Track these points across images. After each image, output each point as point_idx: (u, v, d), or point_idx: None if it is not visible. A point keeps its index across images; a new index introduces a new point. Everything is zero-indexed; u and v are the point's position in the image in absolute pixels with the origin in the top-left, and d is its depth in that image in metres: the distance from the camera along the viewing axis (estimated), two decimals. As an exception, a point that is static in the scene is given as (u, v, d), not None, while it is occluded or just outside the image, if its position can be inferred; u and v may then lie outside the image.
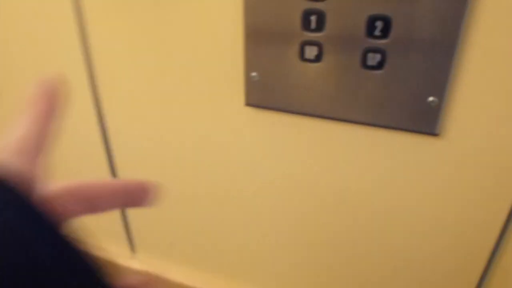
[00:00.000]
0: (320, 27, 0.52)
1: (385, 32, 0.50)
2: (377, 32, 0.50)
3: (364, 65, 0.53)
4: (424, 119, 0.54)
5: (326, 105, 0.57)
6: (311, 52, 0.54)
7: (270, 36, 0.55)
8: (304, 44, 0.54)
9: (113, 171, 0.84)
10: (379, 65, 0.52)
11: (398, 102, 0.54)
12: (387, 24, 0.49)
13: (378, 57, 0.52)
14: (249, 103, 0.62)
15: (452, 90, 0.51)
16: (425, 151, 0.57)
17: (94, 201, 0.24)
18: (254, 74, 0.59)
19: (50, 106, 0.23)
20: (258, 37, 0.56)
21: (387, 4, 0.48)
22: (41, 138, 0.23)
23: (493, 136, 0.52)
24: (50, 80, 0.24)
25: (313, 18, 0.52)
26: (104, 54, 0.70)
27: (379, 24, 0.50)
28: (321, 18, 0.52)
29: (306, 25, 0.53)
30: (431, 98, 0.52)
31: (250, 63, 0.58)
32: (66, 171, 0.86)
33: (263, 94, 0.60)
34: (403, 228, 0.65)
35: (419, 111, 0.53)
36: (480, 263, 0.62)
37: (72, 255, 0.19)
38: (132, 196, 0.26)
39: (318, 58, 0.54)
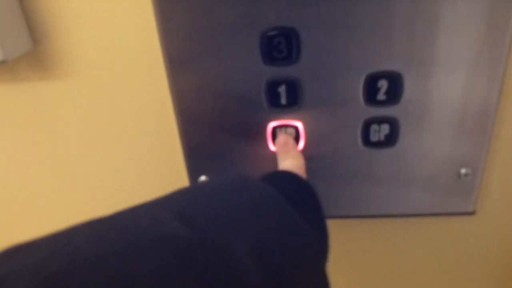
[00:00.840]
0: (293, 101, 0.34)
1: (393, 95, 0.33)
2: (380, 96, 0.33)
3: (367, 141, 0.36)
4: (456, 196, 0.38)
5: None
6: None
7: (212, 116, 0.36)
8: (275, 128, 0.35)
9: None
10: (388, 140, 0.35)
11: (419, 183, 0.37)
12: (394, 83, 0.33)
13: (385, 129, 0.35)
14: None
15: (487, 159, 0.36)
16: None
17: None
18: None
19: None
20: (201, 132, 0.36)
21: (394, 56, 0.32)
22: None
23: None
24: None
25: (282, 91, 0.33)
26: None
27: (383, 84, 0.33)
28: (293, 89, 0.33)
29: (273, 101, 0.34)
30: (463, 171, 0.37)
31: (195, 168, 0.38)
32: None
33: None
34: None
35: (449, 188, 0.38)
36: None
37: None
38: None
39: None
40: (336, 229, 0.35)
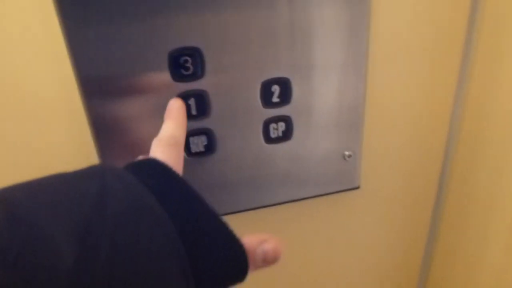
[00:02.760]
0: (203, 111, 0.39)
1: (284, 97, 0.40)
2: (275, 99, 0.40)
3: (268, 138, 0.42)
4: (344, 175, 0.46)
5: (231, 199, 0.44)
6: (198, 144, 0.40)
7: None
8: (188, 137, 0.39)
9: None
10: (285, 135, 0.42)
11: (313, 168, 0.45)
12: (284, 87, 0.39)
13: (282, 126, 0.41)
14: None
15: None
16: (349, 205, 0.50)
17: None
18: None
19: (184, 116, 0.35)
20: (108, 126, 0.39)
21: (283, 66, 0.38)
22: (182, 138, 0.33)
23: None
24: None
25: (192, 103, 0.38)
26: None
27: (276, 89, 0.39)
28: (202, 100, 0.38)
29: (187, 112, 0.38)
30: (347, 153, 0.45)
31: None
32: None
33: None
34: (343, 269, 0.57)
35: (337, 170, 0.46)
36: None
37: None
38: None
39: (209, 148, 0.40)
40: (241, 222, 0.40)
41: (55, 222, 0.19)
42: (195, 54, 0.36)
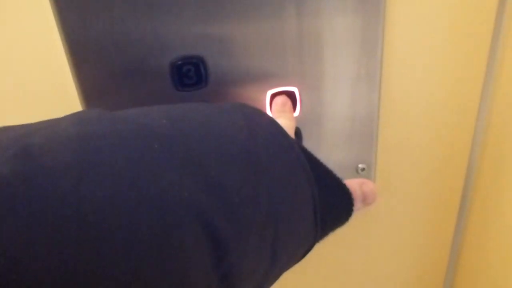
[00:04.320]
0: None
1: (293, 108, 0.38)
2: (283, 109, 0.38)
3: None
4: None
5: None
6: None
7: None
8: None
9: None
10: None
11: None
12: (293, 99, 0.37)
13: (291, 138, 0.39)
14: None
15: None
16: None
17: None
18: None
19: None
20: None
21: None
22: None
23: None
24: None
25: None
26: None
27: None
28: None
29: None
30: (360, 166, 0.43)
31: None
32: None
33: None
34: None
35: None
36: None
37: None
38: None
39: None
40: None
41: (223, 152, 0.19)
42: (199, 63, 0.34)
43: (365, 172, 0.43)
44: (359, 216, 0.47)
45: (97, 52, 0.33)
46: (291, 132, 0.32)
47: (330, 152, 0.41)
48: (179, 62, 0.34)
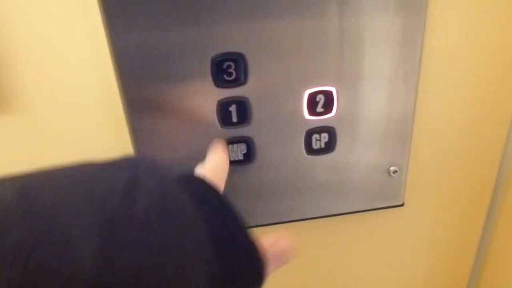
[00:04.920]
0: (244, 119, 0.37)
1: (328, 107, 0.38)
2: (319, 109, 0.38)
3: (310, 150, 0.40)
4: (388, 191, 0.44)
5: (268, 210, 0.43)
6: (237, 153, 0.39)
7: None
8: (229, 143, 0.38)
9: None
10: (328, 147, 0.40)
11: (356, 182, 0.42)
12: (331, 97, 0.37)
13: (325, 137, 0.39)
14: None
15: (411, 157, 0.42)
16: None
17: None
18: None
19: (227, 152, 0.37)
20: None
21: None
22: (226, 168, 0.34)
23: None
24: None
25: (233, 110, 0.37)
26: None
27: (321, 98, 0.38)
28: (243, 107, 0.37)
29: (225, 119, 0.37)
30: (392, 168, 0.42)
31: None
32: None
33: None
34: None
35: (382, 185, 0.43)
36: None
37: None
38: None
39: (248, 157, 0.39)
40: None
41: (76, 216, 0.17)
42: (239, 60, 0.35)
43: (397, 174, 0.43)
44: (386, 221, 0.47)
45: (139, 47, 0.33)
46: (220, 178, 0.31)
47: (363, 153, 0.41)
48: (219, 58, 0.34)
